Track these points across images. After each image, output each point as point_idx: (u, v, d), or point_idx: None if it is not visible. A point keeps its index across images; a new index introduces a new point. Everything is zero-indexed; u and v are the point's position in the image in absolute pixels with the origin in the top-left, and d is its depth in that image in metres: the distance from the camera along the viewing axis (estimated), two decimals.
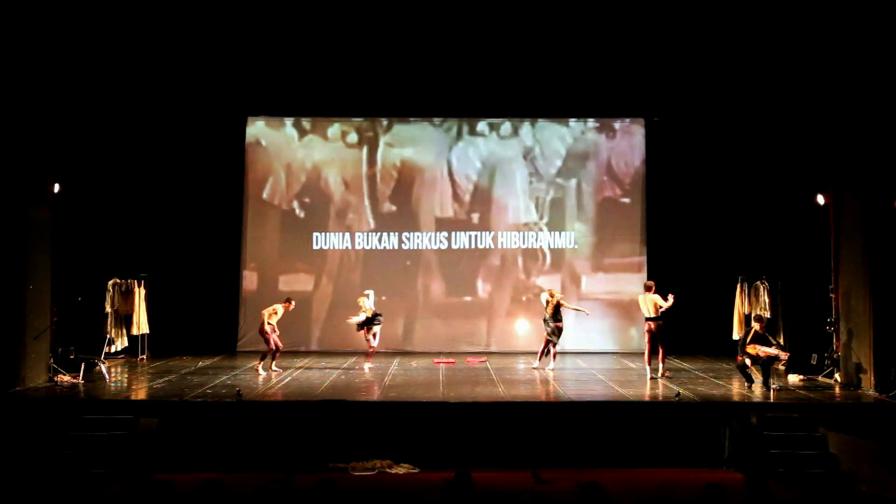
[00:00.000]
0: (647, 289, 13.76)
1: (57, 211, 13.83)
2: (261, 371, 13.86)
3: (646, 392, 12.44)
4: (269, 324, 13.95)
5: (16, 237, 12.67)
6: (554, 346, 14.53)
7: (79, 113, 15.15)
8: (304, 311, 17.47)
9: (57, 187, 13.72)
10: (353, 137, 18.03)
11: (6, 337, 12.36)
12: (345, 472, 10.40)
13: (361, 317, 14.46)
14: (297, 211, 17.95)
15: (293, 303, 14.60)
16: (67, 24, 13.89)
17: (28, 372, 12.72)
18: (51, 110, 13.86)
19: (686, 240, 17.29)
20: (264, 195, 17.91)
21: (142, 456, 10.60)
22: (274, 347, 14.03)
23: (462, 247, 17.94)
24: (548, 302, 14.51)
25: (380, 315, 14.76)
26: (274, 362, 14.12)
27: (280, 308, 14.21)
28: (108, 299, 15.63)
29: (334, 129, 18.05)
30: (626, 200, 17.93)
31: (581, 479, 8.35)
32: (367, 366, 14.74)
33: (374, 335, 14.68)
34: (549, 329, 14.44)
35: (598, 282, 17.83)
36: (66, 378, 13.15)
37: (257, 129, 17.99)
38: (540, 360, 14.76)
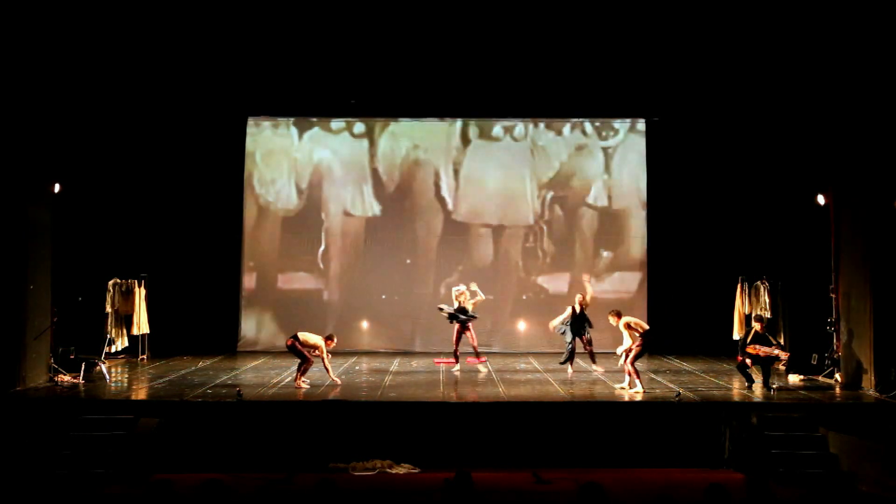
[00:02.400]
0: (619, 314, 12.72)
1: (57, 211, 13.83)
2: (303, 384, 12.81)
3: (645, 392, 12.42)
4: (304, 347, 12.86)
5: (16, 237, 12.67)
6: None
7: (79, 113, 15.17)
8: (305, 311, 17.49)
9: (57, 187, 13.71)
10: (353, 137, 18.03)
11: (6, 337, 12.36)
12: (345, 472, 10.41)
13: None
14: (297, 210, 17.95)
15: (335, 341, 13.15)
16: (67, 24, 13.89)
17: (28, 372, 12.72)
18: (51, 111, 13.87)
19: (686, 239, 17.30)
20: (264, 195, 17.92)
21: (142, 456, 10.61)
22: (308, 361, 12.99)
23: (462, 246, 17.93)
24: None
25: (460, 314, 14.33)
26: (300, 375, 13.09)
27: (322, 345, 12.83)
28: (109, 299, 15.63)
29: (335, 129, 18.04)
30: (627, 200, 17.92)
31: (581, 479, 8.35)
32: (480, 366, 14.46)
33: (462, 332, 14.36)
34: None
35: (599, 281, 17.81)
36: (67, 378, 13.15)
37: (257, 128, 17.99)
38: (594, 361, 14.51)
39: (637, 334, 12.34)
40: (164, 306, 16.57)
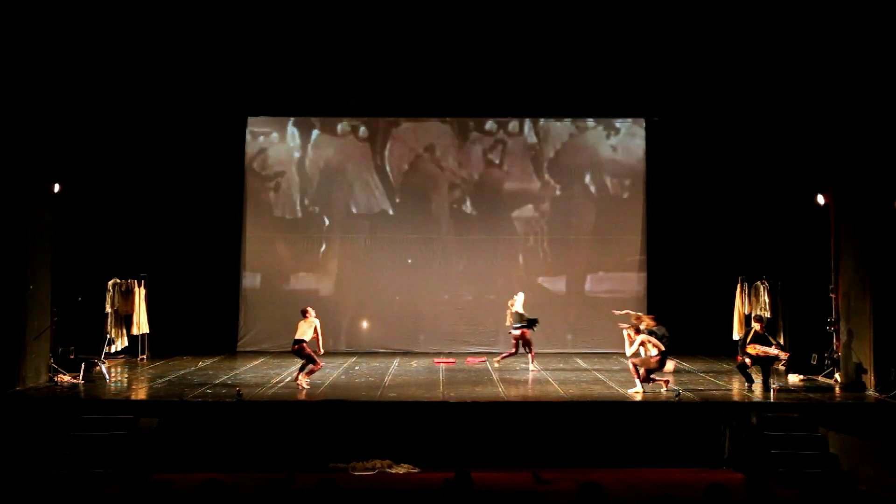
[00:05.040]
0: (639, 330, 12.53)
1: (57, 211, 13.82)
2: (304, 385, 12.69)
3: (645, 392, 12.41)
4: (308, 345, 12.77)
5: (16, 237, 12.66)
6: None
7: (79, 113, 15.15)
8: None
9: (57, 187, 13.71)
10: (353, 137, 18.02)
11: (6, 337, 12.36)
12: (345, 472, 10.41)
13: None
14: (297, 210, 17.95)
15: (310, 311, 13.01)
16: (67, 25, 13.89)
17: (28, 372, 12.72)
18: (51, 111, 13.86)
19: (686, 240, 17.30)
20: (264, 195, 17.90)
21: (142, 456, 10.62)
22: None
23: (463, 246, 17.93)
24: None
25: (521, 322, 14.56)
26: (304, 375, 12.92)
27: (315, 323, 12.79)
28: (108, 299, 15.62)
29: (335, 129, 18.03)
30: (627, 200, 17.92)
31: (581, 479, 8.35)
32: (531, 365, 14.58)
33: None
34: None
35: (599, 281, 17.83)
36: (66, 378, 13.14)
37: (257, 129, 17.98)
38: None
39: (649, 353, 12.30)
40: (164, 306, 16.56)
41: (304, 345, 12.69)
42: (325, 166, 17.97)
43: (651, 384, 12.35)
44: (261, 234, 17.90)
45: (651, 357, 12.22)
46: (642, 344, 12.29)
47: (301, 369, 12.78)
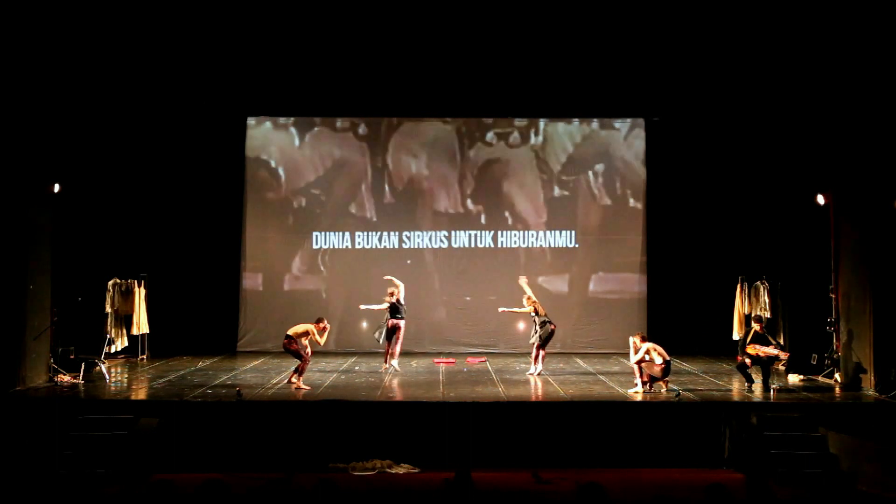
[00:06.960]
0: (644, 338, 12.60)
1: (57, 211, 13.83)
2: (302, 385, 12.65)
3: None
4: (297, 342, 12.73)
5: (16, 237, 12.67)
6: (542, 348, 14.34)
7: (79, 114, 15.14)
8: (305, 311, 17.44)
9: (57, 187, 13.71)
10: (354, 137, 18.02)
11: (6, 337, 12.36)
12: (345, 472, 10.43)
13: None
14: (297, 210, 17.95)
15: (326, 323, 13.05)
16: (67, 25, 13.89)
17: (28, 372, 12.72)
18: (51, 111, 13.86)
19: (686, 240, 17.30)
20: (264, 195, 17.91)
21: (142, 456, 10.62)
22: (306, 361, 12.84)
23: (462, 246, 17.93)
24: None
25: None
26: (302, 378, 12.81)
27: (311, 328, 12.78)
28: (108, 299, 15.62)
29: (335, 129, 18.04)
30: (627, 200, 17.91)
31: (581, 479, 8.36)
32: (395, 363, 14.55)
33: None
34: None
35: (599, 281, 17.83)
36: (66, 378, 13.15)
37: (257, 128, 17.99)
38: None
39: (654, 363, 12.26)
40: (164, 306, 16.57)
41: (291, 342, 12.65)
42: (326, 166, 17.96)
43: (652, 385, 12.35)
44: (261, 234, 17.90)
45: (655, 365, 12.20)
46: (647, 352, 12.27)
47: (296, 371, 12.75)
